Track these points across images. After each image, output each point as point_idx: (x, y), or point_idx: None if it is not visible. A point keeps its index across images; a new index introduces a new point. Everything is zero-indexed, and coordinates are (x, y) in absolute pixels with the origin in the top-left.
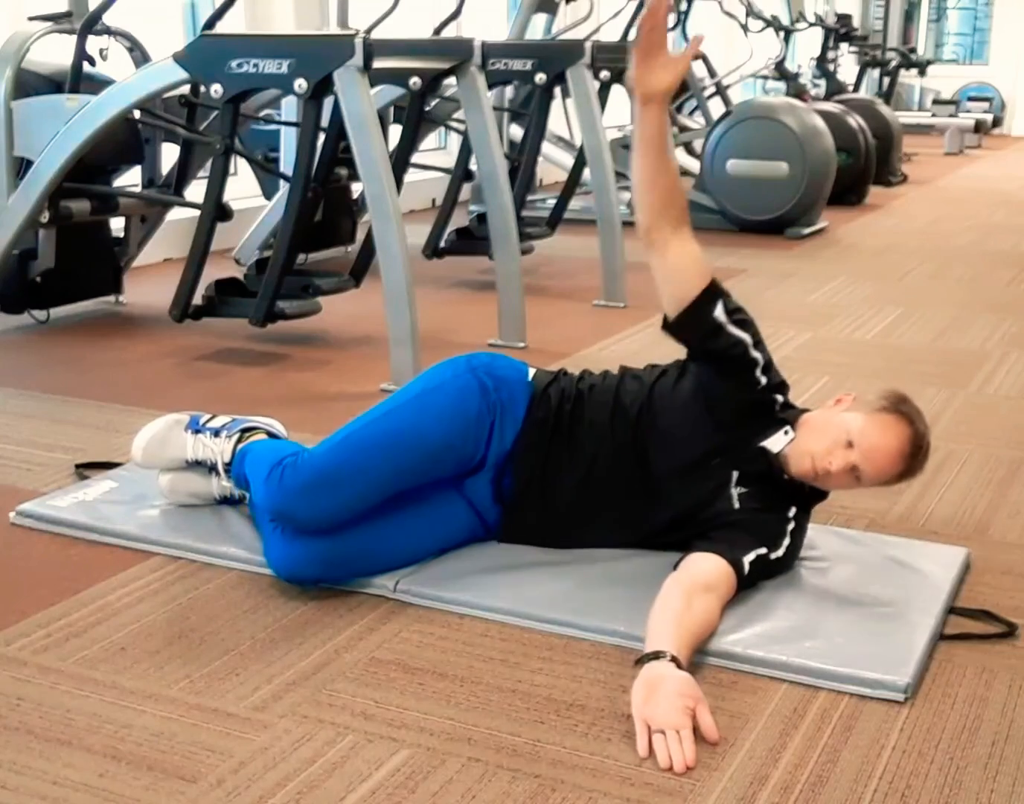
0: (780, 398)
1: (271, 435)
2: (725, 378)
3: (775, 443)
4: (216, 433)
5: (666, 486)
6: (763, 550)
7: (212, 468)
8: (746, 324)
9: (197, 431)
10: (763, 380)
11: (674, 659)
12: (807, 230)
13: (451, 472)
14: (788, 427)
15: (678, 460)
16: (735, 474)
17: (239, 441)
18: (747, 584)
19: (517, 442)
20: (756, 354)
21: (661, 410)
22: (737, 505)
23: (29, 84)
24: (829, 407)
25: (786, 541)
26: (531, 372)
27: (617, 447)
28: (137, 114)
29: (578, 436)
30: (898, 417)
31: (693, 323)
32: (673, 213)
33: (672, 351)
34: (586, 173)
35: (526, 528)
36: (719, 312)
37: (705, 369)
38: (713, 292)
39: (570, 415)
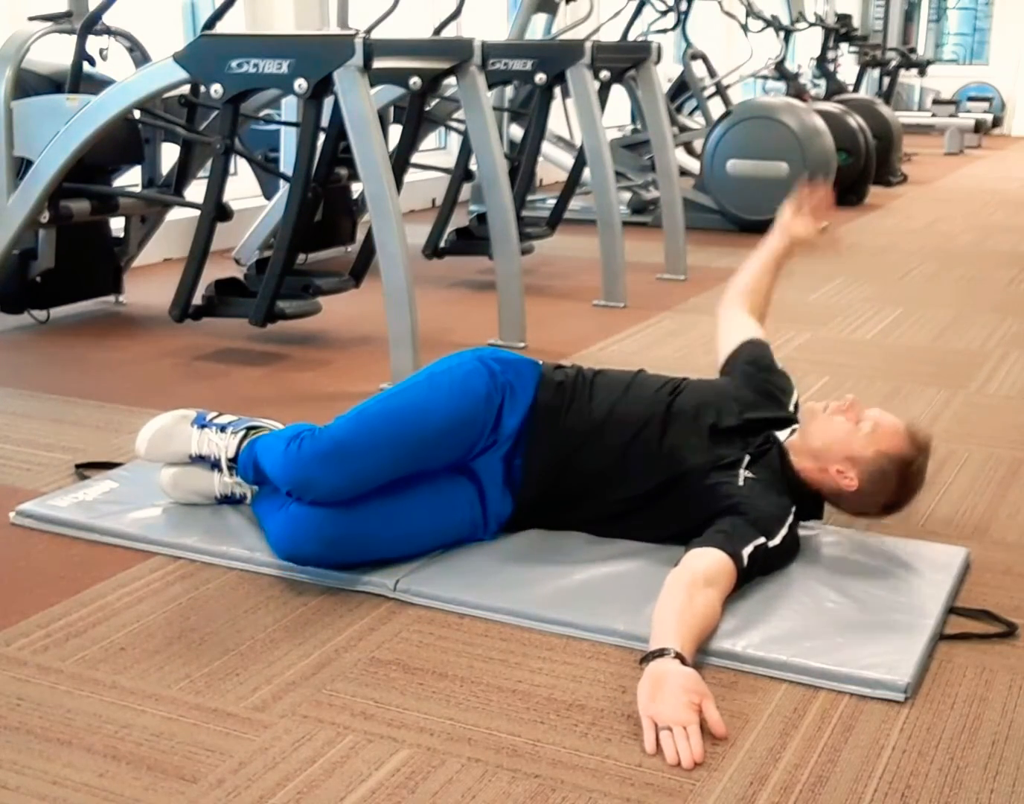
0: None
1: None
2: (765, 398)
3: (782, 435)
4: (222, 429)
5: (682, 447)
6: (761, 540)
7: (215, 464)
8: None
9: (203, 426)
10: (792, 410)
11: (679, 656)
12: None
13: (462, 452)
14: (795, 427)
15: (698, 426)
16: (747, 457)
17: (244, 438)
18: (747, 576)
19: (528, 417)
20: (794, 387)
21: (686, 387)
22: (740, 481)
23: (29, 84)
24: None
25: (783, 531)
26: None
27: (636, 408)
28: (137, 114)
29: (597, 397)
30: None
31: (754, 350)
32: (756, 299)
33: (672, 351)
34: (586, 173)
35: (536, 504)
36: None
37: (746, 385)
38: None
39: (591, 381)
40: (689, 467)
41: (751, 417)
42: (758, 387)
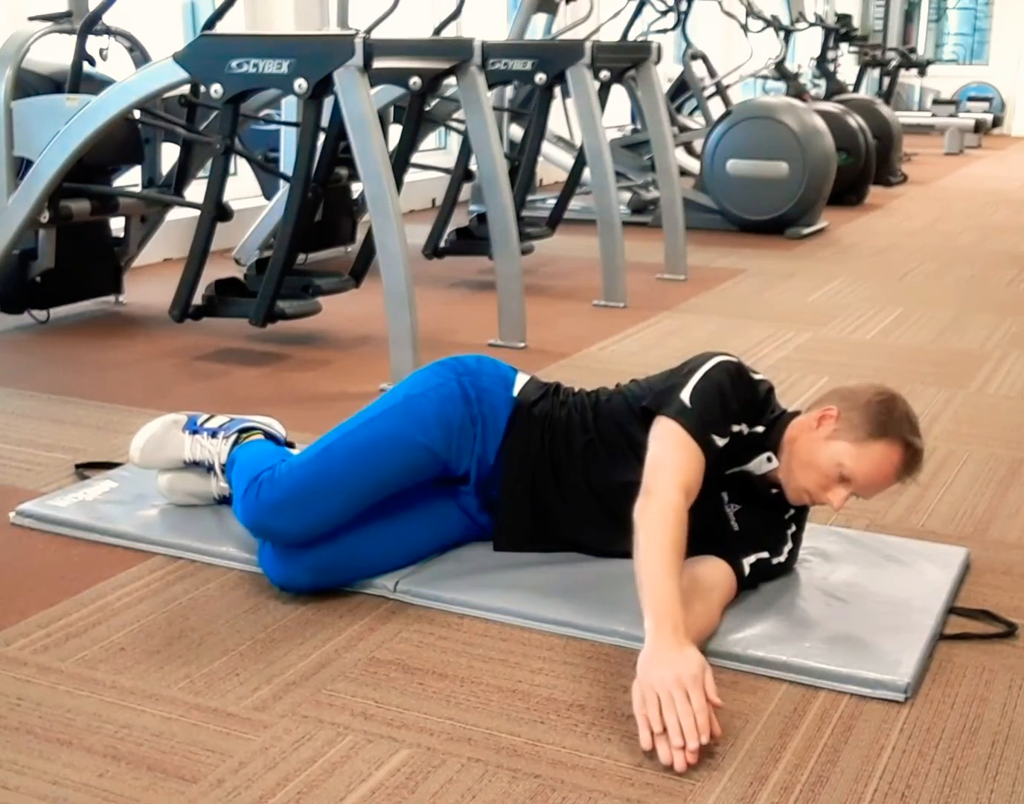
0: (761, 430)
1: (268, 435)
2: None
3: (756, 467)
4: (213, 434)
5: None
6: (764, 554)
7: (210, 469)
8: (741, 411)
9: (194, 432)
10: (745, 430)
11: None
12: (807, 230)
13: (435, 477)
14: (770, 455)
15: None
16: (724, 495)
17: (236, 442)
18: (747, 585)
19: (500, 460)
20: (738, 428)
21: (637, 442)
22: (735, 525)
23: (29, 84)
24: (812, 427)
25: (787, 546)
26: (520, 383)
27: (601, 475)
28: (137, 114)
29: (560, 463)
30: (889, 442)
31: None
32: None
33: (672, 351)
34: (586, 173)
35: (517, 543)
36: (720, 442)
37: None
38: (706, 448)
39: (550, 444)
40: None
41: (716, 469)
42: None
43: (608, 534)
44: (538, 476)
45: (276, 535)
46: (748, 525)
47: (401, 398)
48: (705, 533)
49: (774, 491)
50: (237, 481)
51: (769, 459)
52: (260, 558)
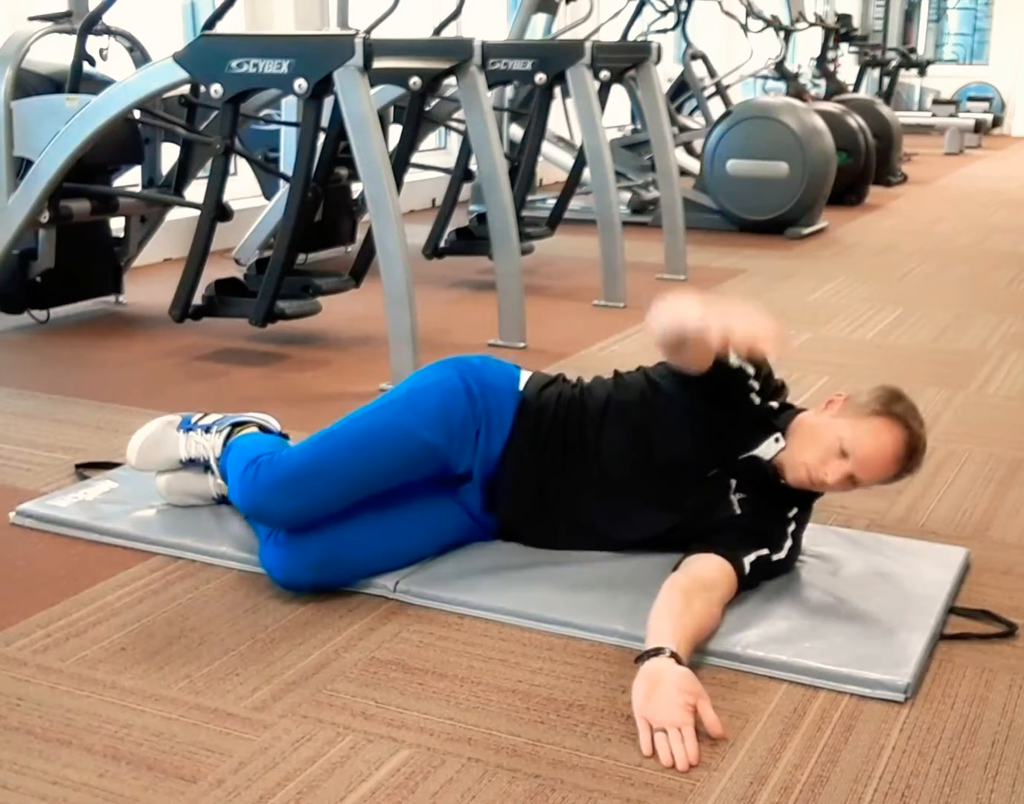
0: (775, 405)
1: (263, 428)
2: (717, 400)
3: (766, 451)
4: (207, 429)
5: (664, 493)
6: (764, 551)
7: (206, 466)
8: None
9: (188, 430)
10: (757, 399)
11: (674, 655)
12: (807, 230)
13: (434, 474)
14: (778, 435)
15: (672, 466)
16: (733, 482)
17: (229, 435)
18: (748, 584)
19: (507, 450)
20: (750, 371)
21: (653, 418)
22: (738, 510)
23: (29, 84)
24: (820, 410)
25: (788, 543)
26: (524, 378)
27: (613, 454)
28: (137, 114)
29: (572, 444)
30: (891, 420)
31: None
32: None
33: None
34: (586, 173)
35: (521, 534)
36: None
37: (699, 390)
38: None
39: (564, 423)
40: (676, 516)
41: (716, 438)
42: (714, 394)
43: (616, 521)
44: (547, 457)
45: (269, 516)
46: (750, 513)
47: (404, 392)
48: (707, 514)
49: (782, 482)
50: (234, 464)
51: (777, 439)
52: (261, 556)
